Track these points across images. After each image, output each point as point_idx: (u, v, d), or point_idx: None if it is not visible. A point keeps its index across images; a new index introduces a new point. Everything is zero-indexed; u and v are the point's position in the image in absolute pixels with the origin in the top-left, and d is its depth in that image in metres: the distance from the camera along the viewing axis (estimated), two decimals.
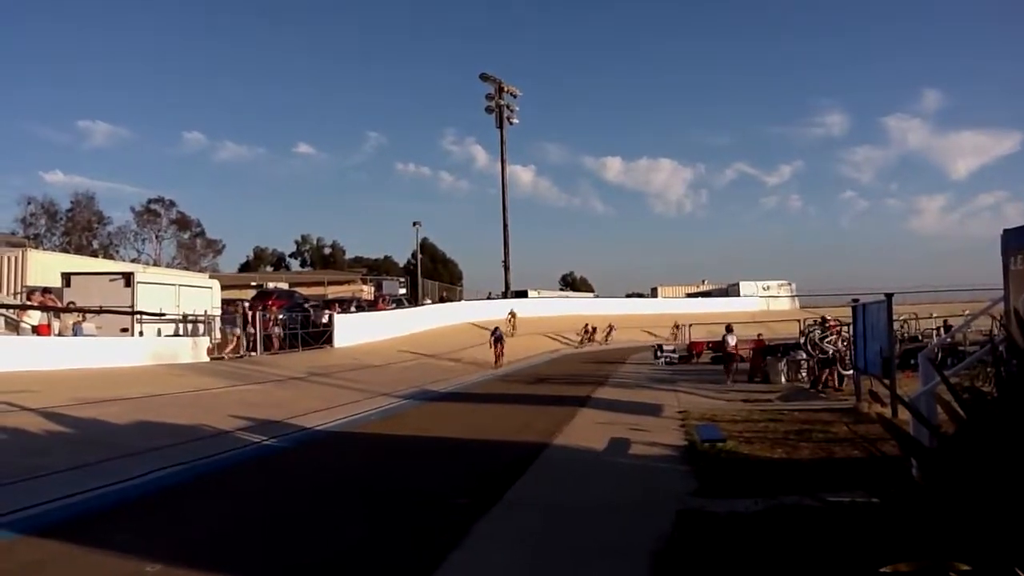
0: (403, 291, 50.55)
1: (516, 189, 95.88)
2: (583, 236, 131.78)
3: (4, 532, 6.34)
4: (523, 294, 59.45)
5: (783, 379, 20.60)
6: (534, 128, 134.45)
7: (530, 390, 20.61)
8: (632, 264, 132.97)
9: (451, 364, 28.31)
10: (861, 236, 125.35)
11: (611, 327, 45.56)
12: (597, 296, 73.37)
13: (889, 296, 13.14)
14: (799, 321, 21.86)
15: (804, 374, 18.15)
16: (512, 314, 41.83)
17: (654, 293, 73.33)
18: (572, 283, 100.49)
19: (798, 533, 6.09)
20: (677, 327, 44.37)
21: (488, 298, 55.50)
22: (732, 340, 22.69)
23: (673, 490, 8.03)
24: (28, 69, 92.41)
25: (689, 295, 70.58)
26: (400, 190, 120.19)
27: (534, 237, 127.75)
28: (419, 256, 56.87)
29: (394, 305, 40.82)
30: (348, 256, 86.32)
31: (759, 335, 27.92)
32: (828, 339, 19.48)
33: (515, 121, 58.73)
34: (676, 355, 34.05)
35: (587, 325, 45.23)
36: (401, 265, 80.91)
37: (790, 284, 68.91)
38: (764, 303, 62.67)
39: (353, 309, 34.69)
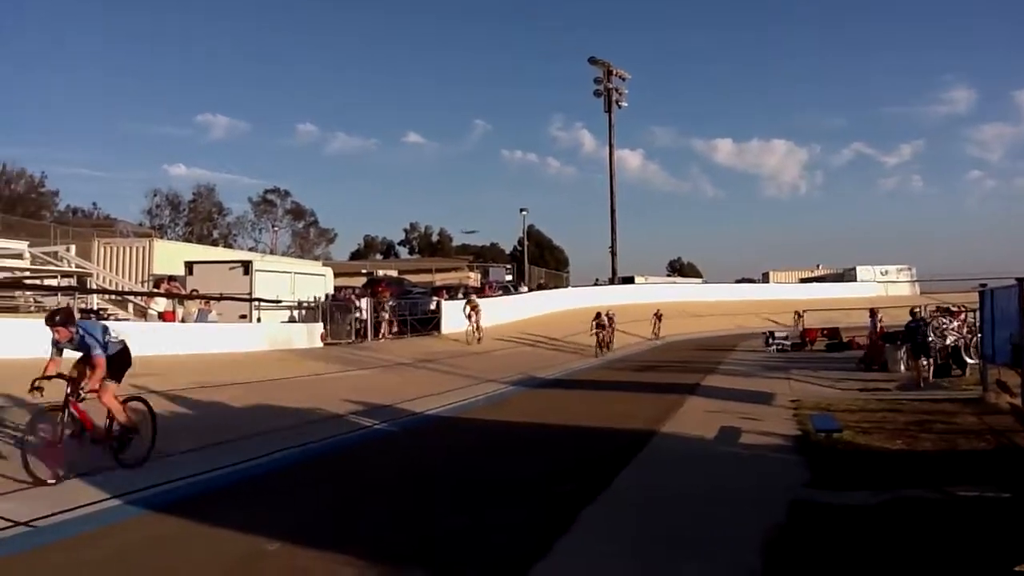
0: (509, 278, 50.73)
1: (624, 174, 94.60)
2: (691, 221, 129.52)
3: (134, 508, 6.64)
4: (630, 280, 58.85)
5: (902, 367, 19.67)
6: (642, 111, 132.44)
7: (636, 377, 20.37)
8: (742, 249, 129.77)
9: (556, 351, 28.26)
10: (988, 218, 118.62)
11: (659, 313, 40.09)
12: (705, 282, 71.89)
13: (1021, 280, 12.33)
14: (921, 307, 20.92)
15: (926, 363, 17.30)
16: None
17: (765, 278, 71.24)
18: (680, 269, 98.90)
19: (920, 528, 5.78)
20: (799, 315, 42.61)
21: (595, 284, 55.20)
22: (875, 324, 21.88)
23: (785, 481, 7.75)
24: (152, 69, 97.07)
25: (803, 280, 68.21)
26: (507, 177, 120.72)
27: (642, 222, 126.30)
28: (526, 243, 56.93)
29: (500, 292, 41.02)
30: (455, 243, 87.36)
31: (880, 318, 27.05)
32: (942, 327, 18.65)
33: (624, 104, 58.09)
34: (788, 342, 33.12)
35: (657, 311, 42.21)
36: (507, 252, 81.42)
37: (910, 269, 65.49)
38: (882, 288, 59.82)
39: (460, 296, 35.06)
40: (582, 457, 9.41)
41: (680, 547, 5.69)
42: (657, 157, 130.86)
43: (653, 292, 52.79)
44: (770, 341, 33.04)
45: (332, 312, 23.98)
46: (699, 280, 77.17)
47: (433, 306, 29.94)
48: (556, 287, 50.70)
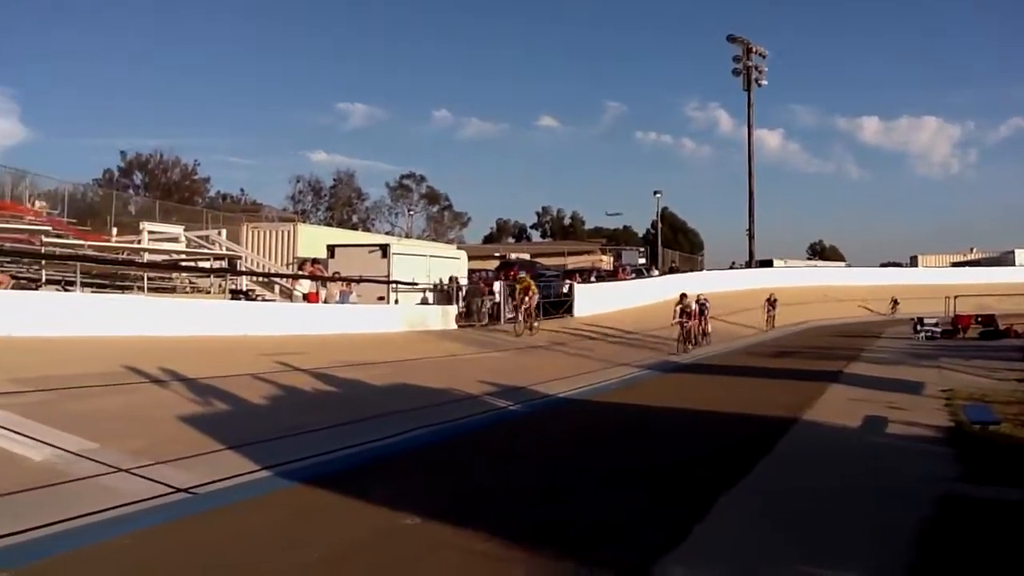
0: (642, 261, 50.22)
1: (762, 154, 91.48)
2: (834, 202, 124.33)
3: (282, 480, 6.94)
4: (768, 264, 57.03)
5: None
6: (782, 89, 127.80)
7: (775, 363, 19.74)
8: (889, 232, 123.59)
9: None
10: None
11: (772, 298, 35.94)
12: (848, 265, 68.86)
13: None
14: None
15: None
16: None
17: (913, 262, 67.61)
18: (820, 252, 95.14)
19: None
20: (895, 302, 40.09)
21: (731, 267, 53.89)
22: None
23: (936, 473, 7.32)
24: (296, 60, 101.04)
25: (954, 264, 64.27)
26: (640, 159, 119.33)
27: (781, 204, 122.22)
28: (659, 225, 56.15)
29: (633, 275, 40.62)
30: (587, 226, 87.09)
31: None
32: None
33: (763, 83, 56.11)
34: (939, 329, 31.40)
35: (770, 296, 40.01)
36: (640, 235, 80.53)
37: None
38: None
39: (593, 279, 34.97)
40: (719, 443, 9.19)
41: (826, 536, 5.49)
42: (798, 136, 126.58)
43: (791, 276, 50.93)
44: (919, 328, 31.41)
45: (466, 294, 24.38)
46: (842, 264, 73.98)
47: (566, 289, 29.97)
48: (691, 270, 49.76)
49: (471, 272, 28.93)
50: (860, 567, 4.95)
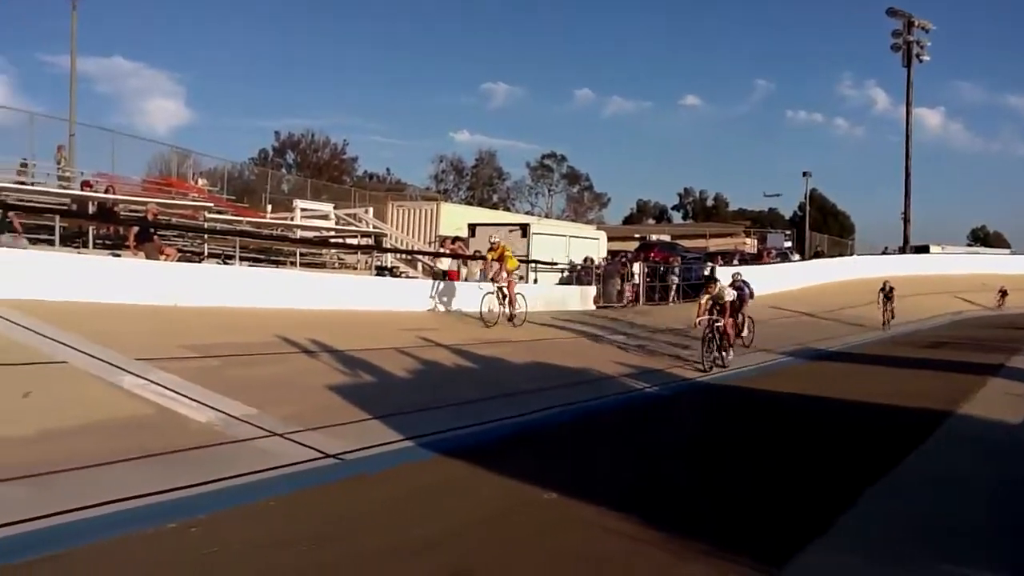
0: (789, 244, 48.55)
1: (921, 133, 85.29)
2: (999, 186, 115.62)
3: (424, 450, 7.18)
4: (923, 249, 53.81)
5: None
6: (945, 65, 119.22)
7: (926, 354, 18.63)
8: None
9: (835, 322, 26.51)
10: None
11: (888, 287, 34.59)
12: (1013, 253, 64.11)
13: None
14: None
15: None
16: None
17: None
18: (983, 238, 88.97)
19: None
20: (1004, 293, 36.73)
21: (884, 253, 51.28)
22: None
23: None
24: (440, 42, 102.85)
25: None
26: (788, 139, 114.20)
27: (939, 187, 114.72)
28: (807, 208, 54.10)
29: (779, 259, 39.33)
30: (731, 208, 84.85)
31: None
32: None
33: (925, 59, 52.81)
34: None
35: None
36: (787, 217, 77.72)
37: None
38: None
39: (736, 262, 34.11)
40: (865, 435, 8.81)
41: (972, 532, 5.25)
42: (961, 115, 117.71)
43: (948, 263, 47.87)
44: None
45: (604, 275, 24.28)
46: (1007, 251, 69.00)
47: (707, 271, 29.36)
48: (840, 254, 47.65)
49: (612, 253, 28.77)
50: (1009, 569, 4.71)
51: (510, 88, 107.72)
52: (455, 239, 23.39)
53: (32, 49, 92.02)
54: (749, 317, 17.71)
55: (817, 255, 45.63)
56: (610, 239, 32.58)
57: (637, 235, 47.30)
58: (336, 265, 24.03)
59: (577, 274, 24.17)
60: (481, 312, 16.04)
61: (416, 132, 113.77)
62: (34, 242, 14.01)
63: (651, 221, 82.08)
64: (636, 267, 25.53)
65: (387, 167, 78.36)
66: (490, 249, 17.41)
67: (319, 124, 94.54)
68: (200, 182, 27.42)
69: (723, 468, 7.14)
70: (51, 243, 14.28)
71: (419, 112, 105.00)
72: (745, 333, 17.21)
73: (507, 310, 16.53)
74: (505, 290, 16.60)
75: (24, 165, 20.43)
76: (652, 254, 29.60)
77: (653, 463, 7.27)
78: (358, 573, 4.46)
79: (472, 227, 25.11)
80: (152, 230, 14.92)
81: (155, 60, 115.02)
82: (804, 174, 51.53)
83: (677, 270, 27.46)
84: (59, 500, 4.96)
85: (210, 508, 5.22)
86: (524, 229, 24.77)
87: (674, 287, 26.63)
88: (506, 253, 17.02)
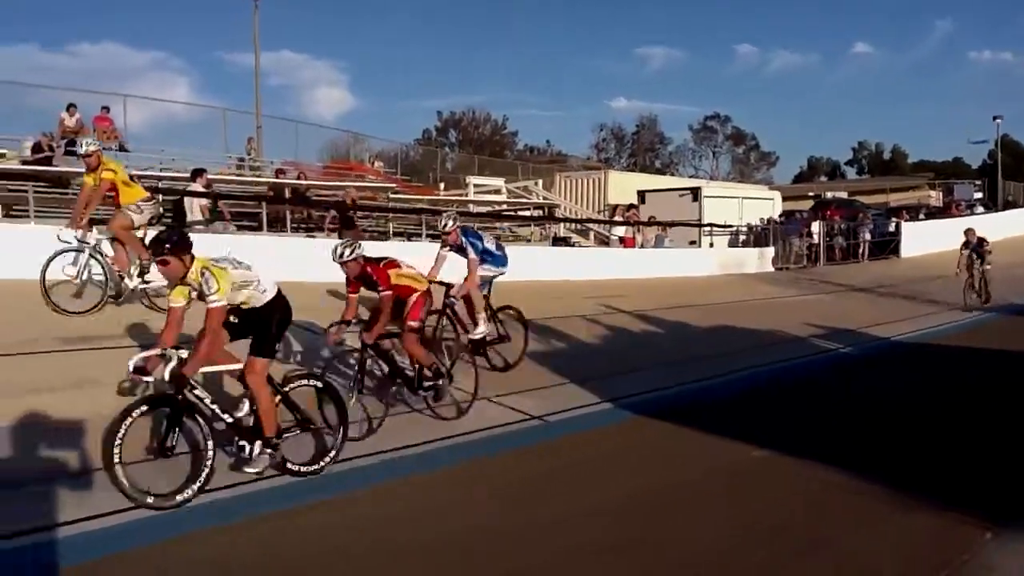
0: (979, 195, 45.18)
1: None
2: None
3: (623, 412, 7.44)
4: None
5: None
6: None
7: None
8: None
9: None
10: None
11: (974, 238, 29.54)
12: None
13: None
14: None
15: None
16: None
17: None
18: None
19: None
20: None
21: None
22: None
23: None
24: (591, 9, 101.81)
25: None
26: (974, 83, 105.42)
27: None
28: (999, 155, 50.08)
29: (968, 212, 36.72)
30: (911, 160, 79.71)
31: None
32: None
33: None
34: None
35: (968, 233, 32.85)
36: (975, 167, 72.21)
37: None
38: None
39: (921, 217, 32.23)
40: None
41: None
42: None
43: None
44: None
45: (782, 235, 23.59)
46: None
47: (892, 228, 27.89)
48: None
49: (788, 213, 27.87)
50: None
51: (667, 51, 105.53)
52: (629, 206, 23.35)
53: (210, 49, 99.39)
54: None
55: (1009, 204, 42.11)
56: (784, 199, 31.54)
57: (811, 193, 45.41)
58: (510, 238, 24.58)
59: (755, 235, 23.61)
60: None
61: (573, 103, 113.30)
62: (240, 228, 15.17)
63: (823, 178, 78.41)
64: (815, 226, 24.60)
65: (547, 139, 78.86)
66: None
67: (478, 101, 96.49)
68: (376, 164, 28.61)
69: (929, 431, 6.91)
70: (255, 229, 15.39)
71: (575, 82, 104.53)
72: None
73: None
74: None
75: (241, 160, 22.09)
76: (829, 212, 28.34)
77: (858, 423, 7.16)
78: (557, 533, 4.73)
79: (641, 194, 25.05)
80: (352, 214, 15.69)
81: (319, 51, 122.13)
82: (994, 118, 47.60)
83: (869, 227, 26.15)
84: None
85: (431, 465, 5.87)
86: (695, 193, 24.46)
87: (864, 245, 25.44)
88: None
